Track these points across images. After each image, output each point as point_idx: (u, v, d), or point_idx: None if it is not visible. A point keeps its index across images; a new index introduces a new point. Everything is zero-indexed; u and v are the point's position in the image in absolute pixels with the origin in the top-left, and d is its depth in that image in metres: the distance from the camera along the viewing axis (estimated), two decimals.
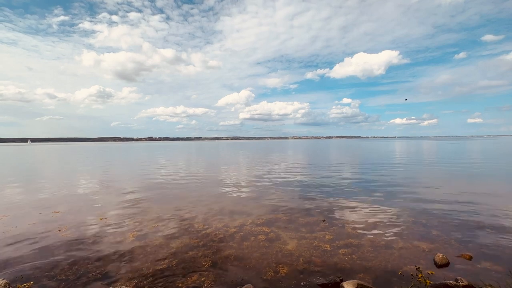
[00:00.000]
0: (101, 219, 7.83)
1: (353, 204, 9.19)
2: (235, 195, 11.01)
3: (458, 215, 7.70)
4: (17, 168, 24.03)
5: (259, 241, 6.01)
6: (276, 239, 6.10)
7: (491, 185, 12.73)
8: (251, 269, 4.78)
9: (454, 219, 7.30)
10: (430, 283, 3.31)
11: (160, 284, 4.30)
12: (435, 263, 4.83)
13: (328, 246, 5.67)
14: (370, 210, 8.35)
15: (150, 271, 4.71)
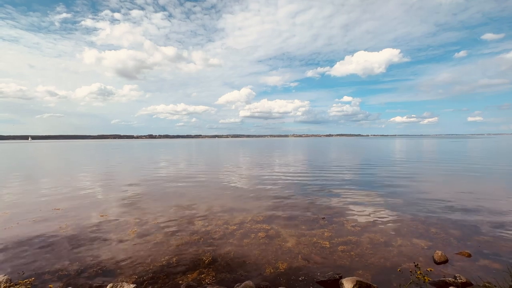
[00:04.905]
0: (102, 215, 7.86)
1: (353, 201, 9.21)
2: (235, 192, 11.04)
3: (457, 213, 7.72)
4: (17, 165, 24.07)
5: (259, 238, 6.04)
6: (275, 236, 6.13)
7: (490, 183, 12.76)
8: (251, 265, 4.81)
9: (453, 217, 7.32)
10: (428, 280, 3.32)
11: (161, 280, 4.34)
12: (434, 260, 4.85)
13: (328, 243, 5.70)
14: (369, 208, 8.37)
15: (151, 267, 4.75)
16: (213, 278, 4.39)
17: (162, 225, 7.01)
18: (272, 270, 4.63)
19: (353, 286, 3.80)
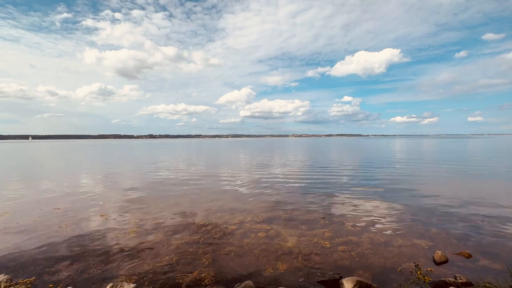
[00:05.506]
0: (102, 215, 7.87)
1: (353, 201, 9.21)
2: (235, 192, 11.04)
3: (457, 213, 7.72)
4: (18, 165, 24.08)
5: (259, 238, 6.04)
6: (276, 236, 6.12)
7: (491, 184, 12.75)
8: (251, 265, 4.81)
9: (453, 217, 7.32)
10: (429, 280, 3.32)
11: (161, 280, 4.33)
12: (434, 261, 4.85)
13: (328, 243, 5.70)
14: (370, 208, 8.37)
15: (151, 267, 4.75)
16: (213, 278, 4.39)
17: (162, 225, 7.01)
18: (272, 270, 4.62)
19: (353, 286, 3.80)
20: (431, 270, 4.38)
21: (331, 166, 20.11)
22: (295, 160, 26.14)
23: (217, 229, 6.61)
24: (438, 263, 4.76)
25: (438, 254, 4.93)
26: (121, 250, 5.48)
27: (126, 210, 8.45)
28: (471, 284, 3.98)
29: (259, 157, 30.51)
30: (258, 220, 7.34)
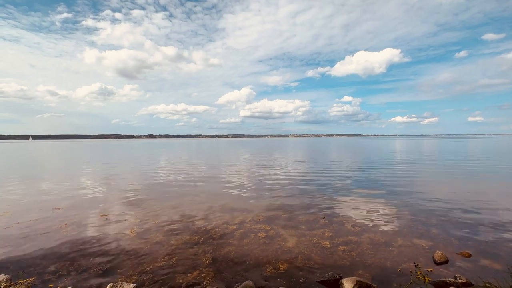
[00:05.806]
0: (102, 215, 7.87)
1: (353, 201, 9.21)
2: (235, 192, 11.04)
3: (457, 213, 7.72)
4: (18, 165, 24.09)
5: (259, 238, 6.04)
6: (276, 236, 6.12)
7: (491, 183, 12.74)
8: (251, 265, 4.81)
9: (453, 217, 7.32)
10: (429, 280, 3.32)
11: (160, 280, 4.34)
12: (434, 261, 4.85)
13: (328, 243, 5.70)
14: (370, 208, 8.37)
15: (151, 267, 4.75)
16: (213, 278, 4.39)
17: (162, 225, 7.01)
18: (272, 270, 4.63)
19: (353, 286, 3.80)
20: (431, 270, 4.38)
21: (331, 166, 20.11)
22: (295, 160, 26.14)
23: (217, 229, 6.61)
24: (438, 263, 4.76)
25: (438, 254, 4.93)
26: (121, 250, 5.48)
27: (126, 210, 8.45)
28: (471, 284, 3.98)
29: (259, 157, 30.51)
30: (258, 220, 7.33)
